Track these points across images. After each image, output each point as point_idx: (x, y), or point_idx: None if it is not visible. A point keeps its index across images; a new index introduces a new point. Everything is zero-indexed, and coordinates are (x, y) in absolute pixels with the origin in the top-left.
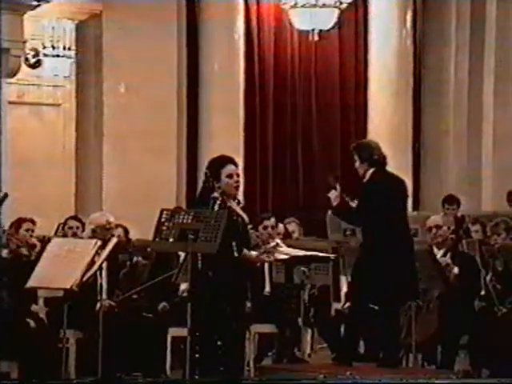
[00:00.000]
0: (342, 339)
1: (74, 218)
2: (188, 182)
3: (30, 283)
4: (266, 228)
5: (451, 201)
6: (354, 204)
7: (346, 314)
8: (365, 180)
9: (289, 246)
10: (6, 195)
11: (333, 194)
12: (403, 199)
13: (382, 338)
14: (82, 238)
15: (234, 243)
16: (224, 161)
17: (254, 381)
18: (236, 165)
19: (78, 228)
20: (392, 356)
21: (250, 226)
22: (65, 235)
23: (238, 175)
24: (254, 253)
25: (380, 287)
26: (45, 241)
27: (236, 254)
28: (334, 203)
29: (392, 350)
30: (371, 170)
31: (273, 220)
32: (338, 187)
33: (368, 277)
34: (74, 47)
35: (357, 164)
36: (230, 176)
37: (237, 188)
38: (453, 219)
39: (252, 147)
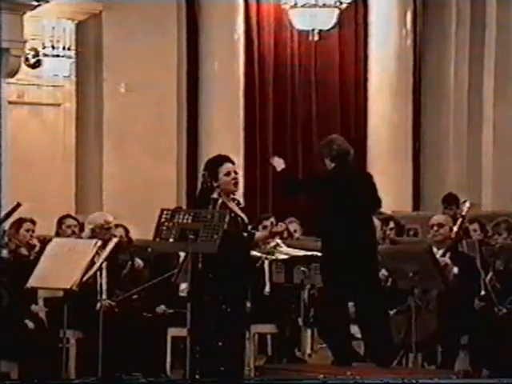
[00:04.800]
0: (334, 341)
1: (70, 216)
2: (188, 182)
3: (30, 283)
4: (265, 228)
5: (450, 200)
6: None
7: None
8: None
9: (289, 246)
10: (18, 205)
11: (277, 162)
12: (353, 192)
13: (373, 337)
14: (80, 237)
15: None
16: (221, 159)
17: (254, 381)
18: (233, 162)
19: (75, 226)
20: (384, 354)
21: (250, 227)
22: (60, 234)
23: (235, 172)
24: (258, 233)
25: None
26: (45, 241)
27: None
28: (279, 169)
29: (382, 349)
30: (332, 165)
31: (272, 220)
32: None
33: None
34: (73, 47)
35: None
36: (227, 174)
37: (235, 185)
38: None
39: (252, 147)
